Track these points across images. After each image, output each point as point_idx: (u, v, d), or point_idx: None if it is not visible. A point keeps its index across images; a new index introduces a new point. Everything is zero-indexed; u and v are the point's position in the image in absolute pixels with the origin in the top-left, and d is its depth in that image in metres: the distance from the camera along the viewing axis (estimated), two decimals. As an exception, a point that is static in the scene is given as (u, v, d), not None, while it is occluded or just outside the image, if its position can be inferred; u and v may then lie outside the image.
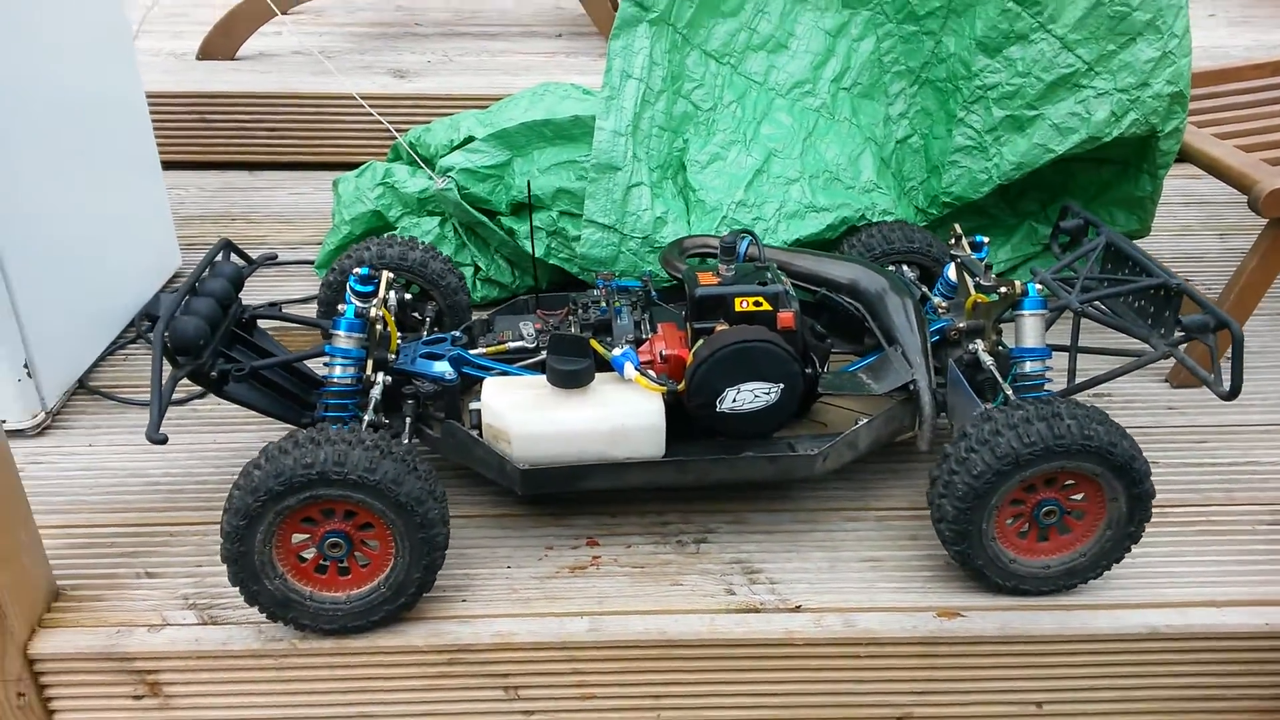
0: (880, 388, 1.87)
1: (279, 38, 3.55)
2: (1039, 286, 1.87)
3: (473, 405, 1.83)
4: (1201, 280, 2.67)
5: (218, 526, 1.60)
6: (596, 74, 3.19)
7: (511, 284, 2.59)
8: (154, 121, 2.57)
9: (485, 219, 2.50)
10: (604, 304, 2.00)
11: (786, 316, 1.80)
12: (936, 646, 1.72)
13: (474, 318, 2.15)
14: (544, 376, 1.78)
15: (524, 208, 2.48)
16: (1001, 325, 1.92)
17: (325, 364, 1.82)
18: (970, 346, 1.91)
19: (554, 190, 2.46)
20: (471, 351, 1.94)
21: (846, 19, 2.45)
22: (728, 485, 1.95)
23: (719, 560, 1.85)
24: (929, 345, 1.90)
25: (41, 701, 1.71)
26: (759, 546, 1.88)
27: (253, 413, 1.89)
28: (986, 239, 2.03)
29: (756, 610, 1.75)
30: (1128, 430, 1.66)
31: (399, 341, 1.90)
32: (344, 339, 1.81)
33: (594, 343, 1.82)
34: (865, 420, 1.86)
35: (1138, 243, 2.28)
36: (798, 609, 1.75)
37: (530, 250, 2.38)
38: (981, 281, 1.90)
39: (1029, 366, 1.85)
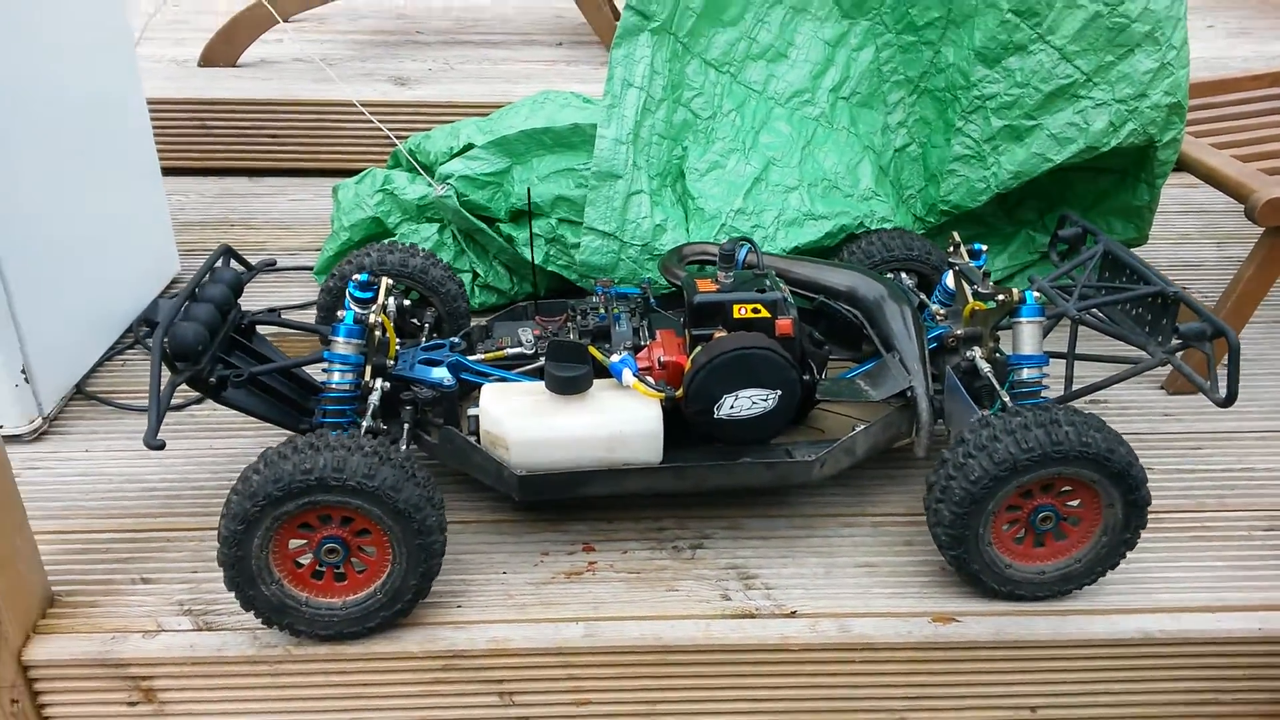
0: (878, 394, 1.88)
1: (280, 45, 3.57)
2: (1037, 294, 1.88)
3: (471, 411, 1.83)
4: (1199, 288, 2.67)
5: (214, 532, 1.60)
6: (596, 82, 3.21)
7: (510, 290, 2.60)
8: (154, 128, 2.58)
9: (484, 226, 2.50)
10: (603, 310, 2.01)
11: (785, 323, 1.80)
12: (931, 652, 1.73)
13: (473, 324, 2.16)
14: (542, 383, 1.78)
15: (523, 215, 2.49)
16: (999, 332, 1.93)
17: (324, 370, 1.83)
18: (968, 353, 1.92)
19: (553, 198, 2.47)
20: (470, 358, 1.94)
21: (846, 29, 2.46)
22: (724, 491, 1.95)
23: (715, 566, 1.86)
24: (927, 352, 1.91)
25: (35, 708, 1.70)
26: (755, 552, 1.88)
27: (250, 418, 1.89)
28: (985, 247, 2.04)
29: (752, 616, 1.75)
30: (1124, 437, 1.66)
31: (398, 347, 1.91)
32: (343, 345, 1.81)
33: (592, 349, 1.82)
34: (863, 427, 1.86)
35: (1135, 251, 2.29)
36: (793, 614, 1.75)
37: (529, 257, 2.38)
38: (979, 289, 1.91)
39: (1026, 373, 1.86)
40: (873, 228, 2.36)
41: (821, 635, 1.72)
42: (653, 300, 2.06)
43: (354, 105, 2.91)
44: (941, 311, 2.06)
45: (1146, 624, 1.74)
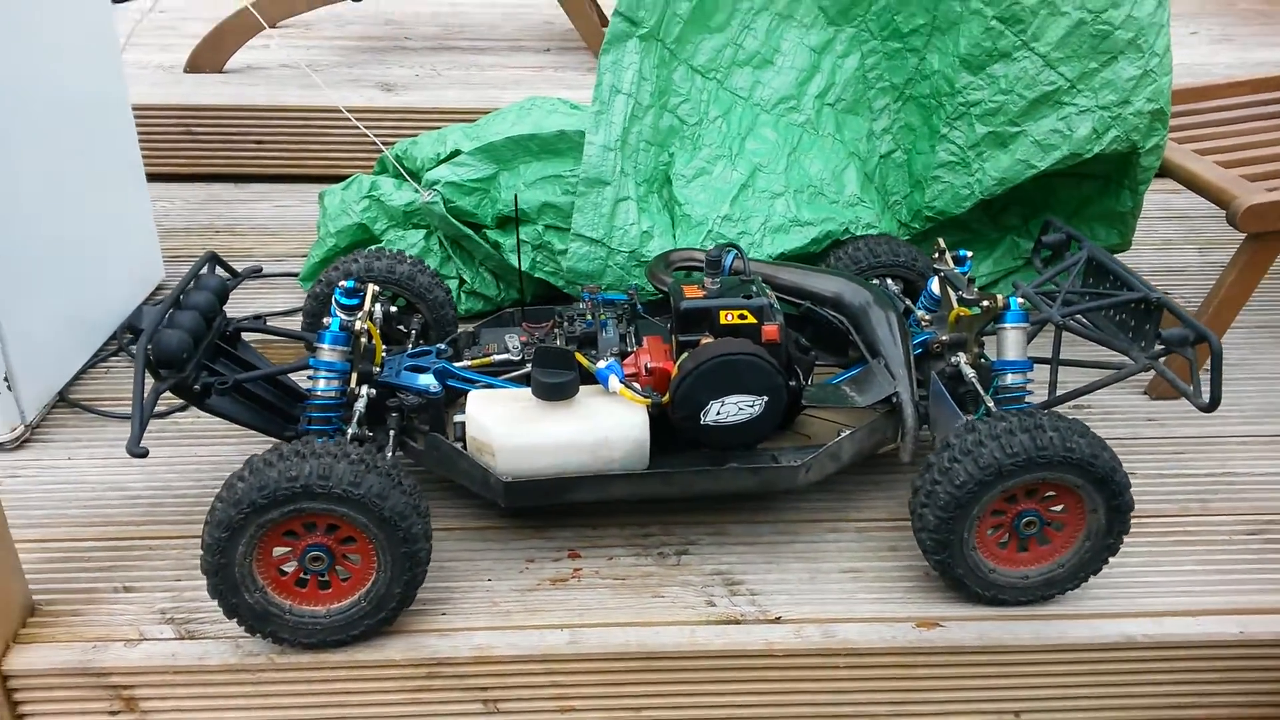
0: (863, 400, 1.88)
1: (267, 51, 3.56)
2: (1021, 300, 1.89)
3: (457, 418, 1.83)
4: (1182, 294, 2.69)
5: (197, 541, 1.60)
6: (584, 89, 3.21)
7: (496, 297, 2.59)
8: (140, 133, 2.57)
9: (471, 232, 2.50)
10: (589, 317, 2.01)
11: (771, 329, 1.81)
12: (915, 657, 1.73)
13: (459, 330, 2.15)
14: (529, 389, 1.78)
15: (509, 221, 2.49)
16: (984, 338, 1.93)
17: (309, 377, 1.82)
18: (953, 359, 1.92)
19: (539, 204, 2.47)
20: (456, 364, 1.94)
21: (831, 36, 2.47)
22: (710, 497, 1.95)
23: (700, 572, 1.86)
24: (912, 358, 1.91)
25: (15, 718, 1.69)
26: (740, 558, 1.89)
27: (233, 426, 1.89)
28: (970, 253, 2.05)
29: (737, 622, 1.75)
30: (1107, 442, 1.67)
31: (384, 354, 1.90)
32: (328, 352, 1.81)
33: (579, 355, 1.82)
34: (848, 432, 1.87)
35: (1119, 257, 2.30)
36: (778, 620, 1.75)
37: (516, 264, 2.38)
38: (964, 295, 1.92)
39: (1010, 379, 1.86)
40: (858, 234, 2.37)
41: (806, 641, 1.72)
42: (639, 306, 2.06)
43: (340, 111, 2.91)
44: (927, 317, 2.07)
45: (1129, 628, 1.75)
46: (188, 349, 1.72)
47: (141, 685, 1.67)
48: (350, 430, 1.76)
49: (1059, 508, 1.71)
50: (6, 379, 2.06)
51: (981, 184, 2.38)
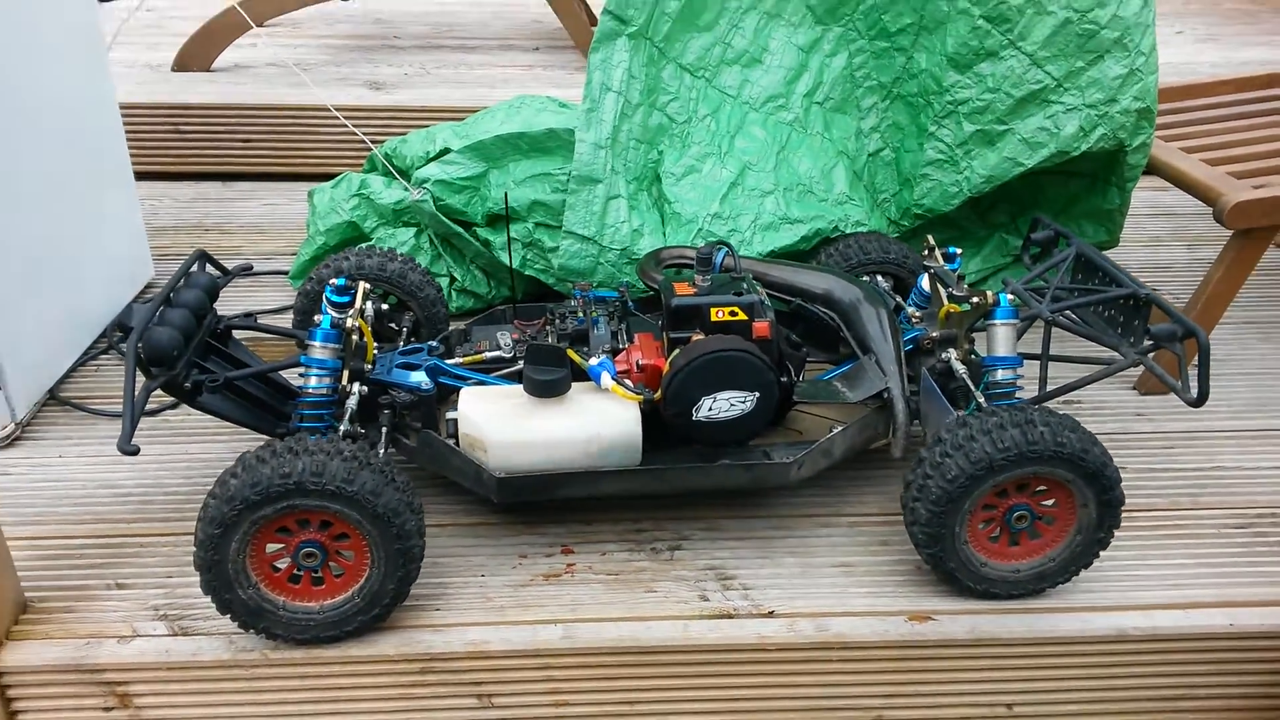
0: (854, 396, 1.89)
1: (255, 50, 3.55)
2: (1010, 296, 1.90)
3: (449, 415, 1.83)
4: (1169, 290, 2.71)
5: (189, 538, 1.59)
6: (573, 87, 3.21)
7: (487, 295, 2.60)
8: (128, 132, 2.56)
9: (461, 230, 2.50)
10: (581, 314, 2.01)
11: (762, 326, 1.81)
12: (908, 650, 1.74)
13: (451, 328, 2.15)
14: (521, 386, 1.79)
15: (499, 219, 2.49)
16: (974, 334, 1.94)
17: (301, 374, 1.82)
18: (943, 355, 1.93)
19: (529, 202, 2.48)
20: (448, 361, 1.94)
21: (819, 35, 2.48)
22: (703, 493, 1.96)
23: (693, 567, 1.86)
24: (902, 354, 1.92)
25: (9, 715, 1.69)
26: (732, 553, 1.89)
27: (224, 424, 1.88)
28: (959, 250, 2.06)
29: (730, 616, 1.76)
30: (1097, 437, 1.68)
31: (375, 352, 1.90)
32: (319, 349, 1.81)
33: (571, 352, 1.83)
34: (840, 428, 1.88)
35: (1107, 254, 2.32)
36: (771, 614, 1.76)
37: (507, 261, 2.38)
38: (954, 292, 1.93)
39: (1001, 374, 1.88)
40: (847, 232, 2.38)
41: (799, 635, 1.73)
42: (631, 304, 2.07)
43: (329, 110, 2.91)
44: (917, 314, 2.08)
45: (1120, 621, 1.76)
46: (178, 346, 1.72)
47: (135, 681, 1.67)
48: (342, 427, 1.76)
49: (1050, 502, 1.73)
50: (-4, 377, 2.05)
51: (969, 182, 2.39)
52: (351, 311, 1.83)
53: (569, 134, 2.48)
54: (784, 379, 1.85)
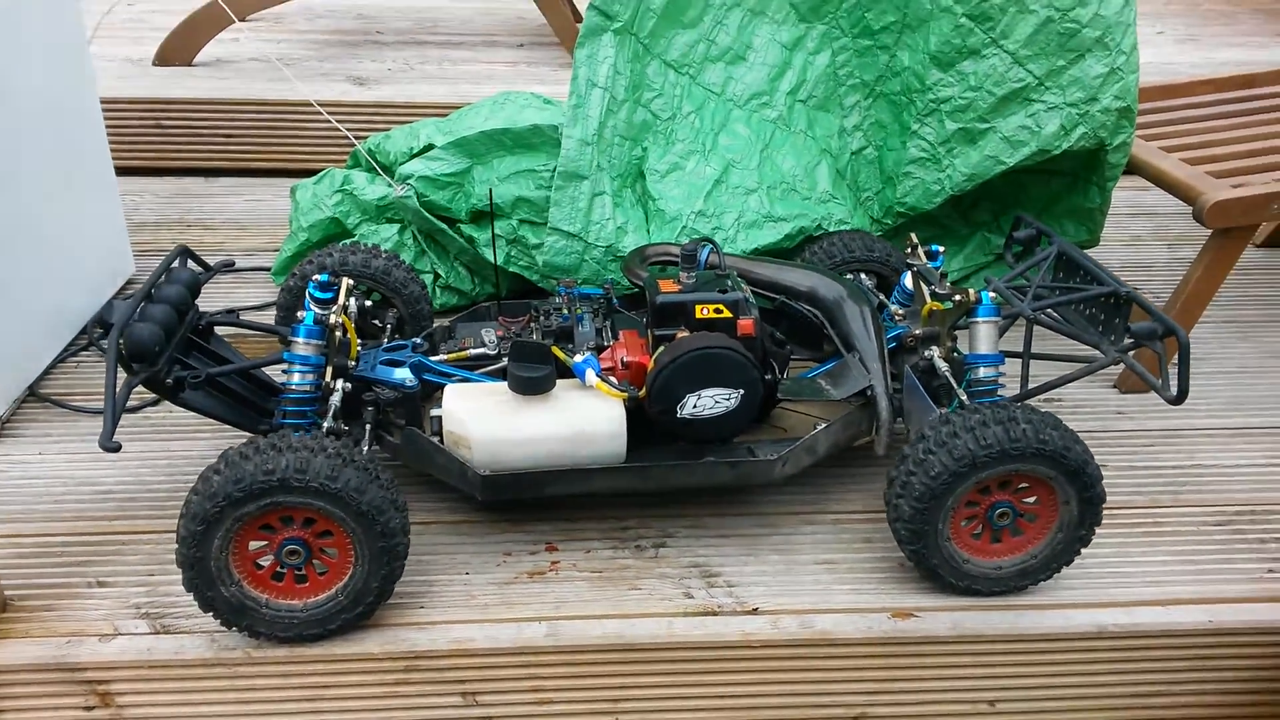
0: (838, 393, 1.90)
1: (237, 44, 3.53)
2: (992, 294, 1.91)
3: (434, 412, 1.83)
4: (1150, 289, 2.73)
5: (171, 535, 1.58)
6: (557, 83, 3.21)
7: (471, 291, 2.59)
8: (109, 127, 2.54)
9: (445, 227, 2.50)
10: (566, 311, 2.01)
11: (746, 323, 1.82)
12: (891, 647, 1.75)
13: (435, 325, 2.15)
14: (505, 383, 1.78)
15: (483, 216, 2.48)
16: (956, 332, 1.95)
17: (284, 371, 1.81)
18: (926, 353, 1.94)
19: (514, 199, 2.47)
20: (433, 358, 1.94)
21: (803, 33, 2.48)
22: (687, 490, 1.96)
23: (677, 564, 1.87)
24: (886, 352, 1.93)
25: (-10, 713, 1.68)
26: (717, 550, 1.90)
27: (206, 421, 1.87)
28: (942, 248, 2.07)
29: (714, 613, 1.76)
30: (1078, 435, 1.70)
31: (359, 348, 1.90)
32: (303, 346, 1.80)
33: (555, 349, 1.83)
34: (824, 425, 1.88)
35: (1088, 252, 2.33)
36: (755, 611, 1.77)
37: (491, 258, 2.38)
38: (937, 290, 1.94)
39: (983, 372, 1.89)
40: (830, 230, 2.38)
41: (783, 632, 1.74)
42: (615, 301, 2.07)
43: (312, 105, 2.89)
44: (900, 312, 2.09)
45: (1101, 618, 1.78)
46: (160, 343, 1.71)
47: (117, 680, 1.66)
48: (326, 424, 1.76)
49: (1032, 499, 1.74)
50: (-26, 374, 2.03)
51: (952, 180, 2.40)
52: (335, 308, 1.83)
53: (553, 130, 2.48)
54: (768, 376, 1.86)
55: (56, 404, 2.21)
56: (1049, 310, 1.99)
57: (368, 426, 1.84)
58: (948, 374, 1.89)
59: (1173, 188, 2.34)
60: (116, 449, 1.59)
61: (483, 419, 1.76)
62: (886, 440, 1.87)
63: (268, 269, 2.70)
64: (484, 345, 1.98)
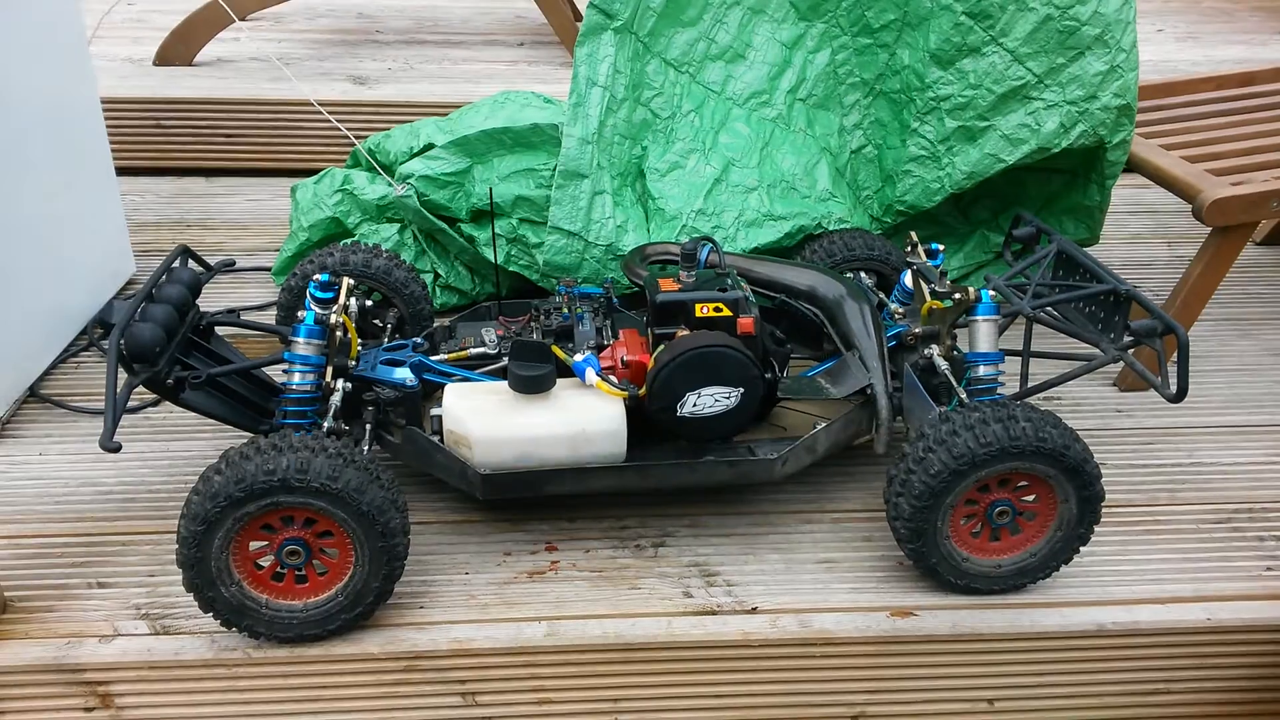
0: (838, 392, 1.90)
1: (237, 44, 3.53)
2: (992, 293, 1.91)
3: (434, 411, 1.83)
4: (1150, 287, 2.73)
5: (171, 536, 1.59)
6: (557, 82, 3.21)
7: (472, 291, 2.59)
8: (109, 127, 2.54)
9: (445, 226, 2.50)
10: (566, 310, 2.01)
11: (746, 322, 1.82)
12: (890, 645, 1.75)
13: (435, 324, 2.15)
14: (506, 382, 1.78)
15: (484, 215, 2.48)
16: (956, 330, 1.95)
17: (284, 370, 1.81)
18: (926, 351, 1.94)
19: (514, 198, 2.47)
20: (433, 358, 1.94)
21: (803, 31, 2.48)
22: (687, 489, 1.96)
23: (677, 564, 1.87)
24: (886, 350, 1.93)
25: (-9, 714, 1.68)
26: (716, 550, 1.90)
27: (206, 421, 1.88)
28: (942, 247, 2.07)
29: (714, 612, 1.76)
30: (1078, 433, 1.70)
31: (359, 348, 1.90)
32: (303, 345, 1.80)
33: (555, 349, 1.83)
34: (824, 424, 1.88)
35: (1088, 250, 2.33)
36: (754, 610, 1.77)
37: (491, 257, 2.38)
38: (937, 288, 1.94)
39: (983, 370, 1.89)
40: (831, 228, 2.38)
41: (782, 631, 1.74)
42: (615, 300, 2.07)
43: (312, 105, 2.89)
44: (900, 310, 2.09)
45: (1100, 616, 1.78)
46: (160, 343, 1.71)
47: (117, 681, 1.66)
48: (326, 424, 1.76)
49: (1031, 497, 1.74)
50: (-25, 374, 2.04)
51: (951, 178, 2.40)
52: (336, 308, 1.83)
53: (553, 129, 2.48)
54: (768, 375, 1.86)
55: (57, 404, 2.21)
56: (1049, 308, 1.99)
57: (368, 426, 1.84)
58: (947, 372, 1.89)
59: (1172, 185, 2.34)
60: (117, 449, 1.59)
61: (483, 418, 1.76)
62: (886, 439, 1.87)
63: (268, 269, 2.71)
64: (484, 344, 1.98)
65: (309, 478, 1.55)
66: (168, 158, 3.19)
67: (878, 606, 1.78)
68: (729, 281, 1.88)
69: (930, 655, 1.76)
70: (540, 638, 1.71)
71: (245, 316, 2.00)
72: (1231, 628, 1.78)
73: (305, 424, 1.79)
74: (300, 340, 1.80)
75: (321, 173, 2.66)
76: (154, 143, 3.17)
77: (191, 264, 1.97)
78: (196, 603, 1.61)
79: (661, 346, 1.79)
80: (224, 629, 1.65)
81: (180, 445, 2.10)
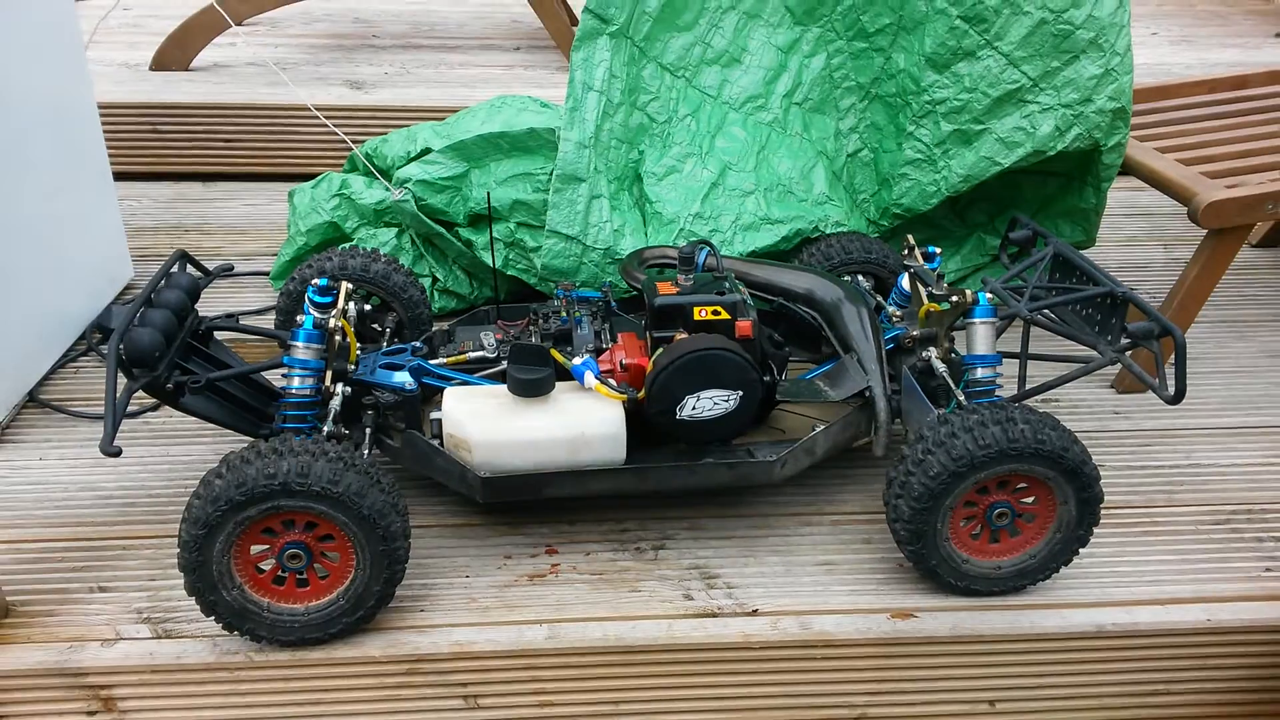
0: (837, 395, 1.91)
1: (233, 49, 3.53)
2: (989, 295, 1.92)
3: (433, 415, 1.83)
4: (1146, 289, 2.74)
5: (172, 540, 1.59)
6: (554, 87, 3.22)
7: (470, 295, 2.60)
8: (106, 132, 2.54)
9: (443, 230, 2.50)
10: (564, 314, 2.02)
11: (744, 325, 1.82)
12: (891, 647, 1.75)
13: (434, 328, 2.15)
14: (505, 386, 1.79)
15: (481, 219, 2.49)
16: (954, 333, 1.96)
17: (284, 375, 1.82)
18: (924, 354, 1.95)
19: (511, 202, 2.48)
20: (432, 362, 1.94)
21: (798, 35, 2.49)
22: (686, 492, 1.97)
23: (677, 566, 1.87)
24: (884, 353, 1.94)
25: (-8, 719, 1.68)
26: (716, 552, 1.90)
27: (206, 425, 1.88)
28: (939, 249, 2.08)
29: (714, 615, 1.77)
30: (1076, 435, 1.70)
31: (358, 352, 1.90)
32: (302, 350, 1.80)
33: (554, 352, 1.83)
34: (822, 427, 1.89)
35: (1085, 253, 2.34)
36: (754, 613, 1.77)
37: (489, 261, 2.38)
38: (934, 291, 1.94)
39: (980, 373, 1.89)
40: (828, 232, 2.39)
41: (783, 633, 1.74)
42: (614, 303, 2.07)
43: (309, 109, 2.90)
44: (898, 313, 2.10)
45: (1099, 617, 1.78)
46: (160, 348, 1.71)
47: (119, 685, 1.66)
48: (326, 428, 1.76)
49: (1030, 499, 1.75)
50: (-26, 380, 2.04)
51: (947, 181, 2.41)
52: (334, 312, 1.83)
53: (550, 134, 2.49)
54: (767, 378, 1.86)
55: (56, 409, 2.21)
56: (1046, 311, 2.00)
57: (368, 430, 1.84)
58: (945, 375, 1.90)
59: (1168, 188, 2.35)
60: (117, 454, 1.60)
61: (482, 421, 1.77)
62: (885, 441, 1.87)
63: (266, 273, 2.71)
64: (483, 348, 1.98)
65: (310, 481, 1.55)
66: (165, 163, 3.19)
67: (878, 608, 1.78)
68: (727, 285, 1.89)
69: (931, 657, 1.77)
70: (541, 640, 1.72)
71: (244, 321, 2.00)
72: (1230, 628, 1.79)
73: (305, 428, 1.79)
74: (299, 344, 1.80)
75: (319, 177, 2.66)
76: (151, 148, 3.17)
77: (190, 269, 1.97)
78: (198, 606, 1.62)
79: (660, 350, 1.80)
80: (225, 633, 1.66)
81: (180, 450, 2.11)
